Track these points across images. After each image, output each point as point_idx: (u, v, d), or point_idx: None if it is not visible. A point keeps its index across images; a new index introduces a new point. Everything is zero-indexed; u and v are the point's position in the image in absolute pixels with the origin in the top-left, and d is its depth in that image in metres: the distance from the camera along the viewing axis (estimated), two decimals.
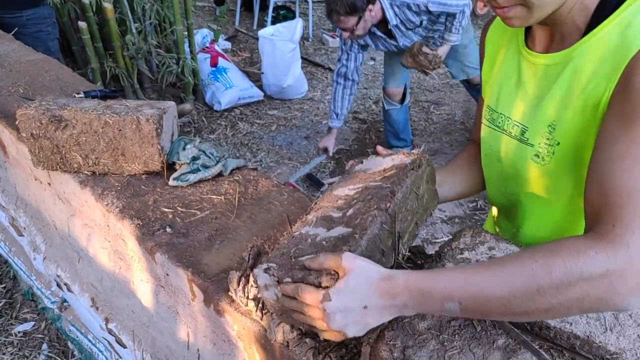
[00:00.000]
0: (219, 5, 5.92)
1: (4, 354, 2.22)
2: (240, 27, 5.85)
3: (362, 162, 1.04)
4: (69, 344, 2.23)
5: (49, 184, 1.49)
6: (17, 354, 2.23)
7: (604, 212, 0.70)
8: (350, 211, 0.86)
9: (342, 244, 0.78)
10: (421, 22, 2.83)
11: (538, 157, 0.95)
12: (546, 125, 0.91)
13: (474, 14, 3.06)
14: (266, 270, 0.77)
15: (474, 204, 3.23)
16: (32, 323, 2.38)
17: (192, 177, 1.24)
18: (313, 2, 5.84)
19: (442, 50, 2.93)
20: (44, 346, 2.27)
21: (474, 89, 3.48)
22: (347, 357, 0.82)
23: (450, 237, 0.98)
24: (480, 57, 1.13)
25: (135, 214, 1.16)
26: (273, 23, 5.28)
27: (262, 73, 4.44)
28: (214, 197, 1.22)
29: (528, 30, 0.97)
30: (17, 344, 2.27)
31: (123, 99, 1.43)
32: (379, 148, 1.07)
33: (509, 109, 1.01)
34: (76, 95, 1.58)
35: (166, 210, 1.17)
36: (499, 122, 1.03)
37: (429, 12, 2.73)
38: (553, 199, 0.99)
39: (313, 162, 3.56)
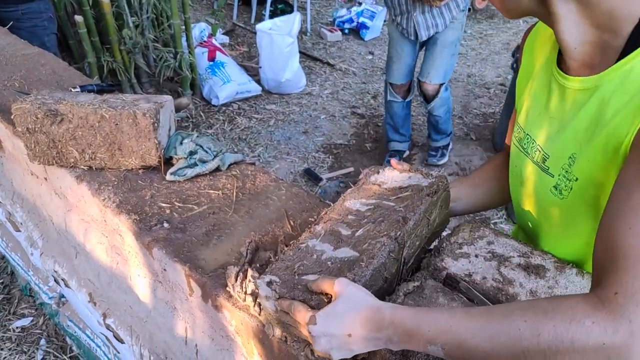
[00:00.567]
0: None
1: (2, 349, 2.21)
2: (238, 21, 5.82)
3: (377, 173, 1.02)
4: (67, 339, 2.23)
5: (46, 178, 1.48)
6: (15, 349, 2.22)
7: (608, 272, 0.63)
8: (360, 232, 0.86)
9: (347, 269, 0.78)
10: None
11: (556, 189, 0.87)
12: (567, 157, 0.83)
13: (472, 8, 3.01)
14: (269, 284, 0.78)
15: None
16: (30, 318, 2.38)
17: (190, 172, 1.24)
18: None
19: None
20: (42, 341, 2.27)
21: (428, 104, 3.31)
22: None
23: (449, 231, 0.98)
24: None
25: (132, 209, 1.15)
26: (271, 17, 5.25)
27: (260, 67, 4.43)
28: (212, 192, 1.21)
29: None
30: (15, 339, 2.27)
31: (120, 93, 1.42)
32: (393, 162, 1.03)
33: (535, 131, 0.92)
34: (72, 90, 1.56)
35: (163, 205, 1.17)
36: (525, 144, 0.95)
37: None
38: (572, 234, 0.91)
39: None
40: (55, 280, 1.91)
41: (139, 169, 1.28)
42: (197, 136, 1.29)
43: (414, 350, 0.69)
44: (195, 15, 5.56)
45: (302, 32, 5.58)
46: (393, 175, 1.00)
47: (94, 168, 1.28)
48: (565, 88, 0.84)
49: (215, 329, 1.06)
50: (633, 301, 0.58)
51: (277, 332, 0.83)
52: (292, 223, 1.11)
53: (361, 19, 5.68)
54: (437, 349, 0.65)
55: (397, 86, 3.35)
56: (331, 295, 0.72)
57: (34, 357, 2.21)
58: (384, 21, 5.70)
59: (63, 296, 2.08)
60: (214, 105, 4.23)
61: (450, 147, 3.65)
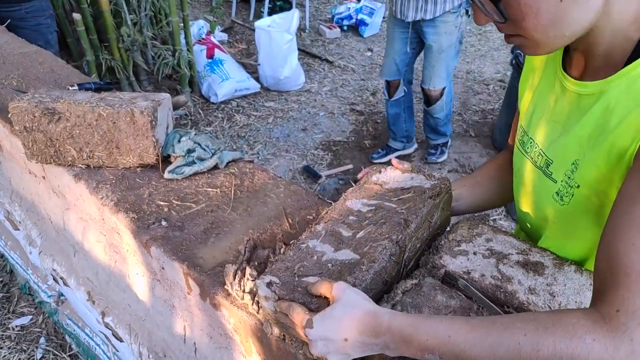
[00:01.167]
0: None
1: (1, 347, 2.22)
2: (236, 19, 5.81)
3: (379, 172, 1.00)
4: (67, 337, 2.23)
5: (44, 177, 1.48)
6: (15, 347, 2.23)
7: (610, 288, 0.62)
8: (361, 233, 0.85)
9: (348, 272, 0.78)
10: None
11: (558, 195, 0.85)
12: (570, 163, 0.82)
13: (467, 12, 2.98)
14: (268, 285, 0.78)
15: None
16: (30, 317, 2.38)
17: (188, 170, 1.23)
18: None
19: None
20: (42, 340, 2.27)
21: (429, 106, 3.34)
22: None
23: (448, 229, 0.97)
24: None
25: (130, 207, 1.15)
26: (270, 14, 5.24)
27: (259, 65, 4.42)
28: (210, 190, 1.21)
29: (567, 50, 0.85)
30: (15, 338, 2.27)
31: (118, 91, 1.42)
32: (394, 161, 1.01)
33: (536, 133, 0.91)
34: (70, 88, 1.56)
35: (161, 203, 1.16)
36: (527, 147, 0.94)
37: None
38: (571, 237, 0.90)
39: None
40: (54, 279, 1.91)
41: (137, 167, 1.27)
42: (195, 134, 1.29)
43: (411, 357, 0.68)
44: (194, 12, 5.54)
45: (301, 29, 5.57)
46: (395, 175, 0.98)
47: (91, 166, 1.28)
48: (570, 91, 0.82)
49: (214, 327, 1.06)
50: (634, 319, 0.57)
51: (276, 330, 0.83)
52: (290, 221, 1.11)
53: (360, 16, 5.67)
54: (435, 357, 0.64)
55: (388, 82, 3.38)
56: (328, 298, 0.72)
57: (33, 355, 2.21)
58: (383, 18, 5.69)
59: (62, 295, 2.08)
60: (212, 103, 4.22)
61: (449, 144, 3.66)
